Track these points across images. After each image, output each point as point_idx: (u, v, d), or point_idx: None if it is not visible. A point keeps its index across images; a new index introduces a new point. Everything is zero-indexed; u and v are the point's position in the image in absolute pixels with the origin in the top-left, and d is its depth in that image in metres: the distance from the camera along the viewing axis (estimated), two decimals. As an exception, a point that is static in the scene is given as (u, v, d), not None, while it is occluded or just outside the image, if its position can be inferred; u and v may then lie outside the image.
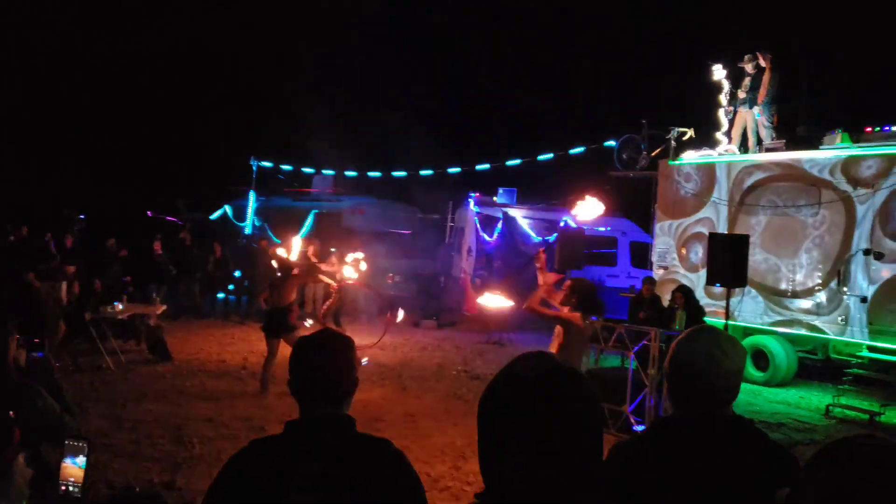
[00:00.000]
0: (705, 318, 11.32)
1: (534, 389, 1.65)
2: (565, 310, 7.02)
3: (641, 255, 20.69)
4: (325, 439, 2.35)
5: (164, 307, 14.00)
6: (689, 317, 10.22)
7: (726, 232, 13.18)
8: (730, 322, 9.41)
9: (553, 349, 7.17)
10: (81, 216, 17.84)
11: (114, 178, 29.77)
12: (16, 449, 2.11)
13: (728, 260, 8.90)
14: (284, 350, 14.05)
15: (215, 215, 24.26)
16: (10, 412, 2.38)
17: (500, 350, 15.78)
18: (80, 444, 2.59)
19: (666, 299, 11.92)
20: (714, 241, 9.37)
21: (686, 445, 2.34)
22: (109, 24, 32.17)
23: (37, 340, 4.17)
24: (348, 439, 2.38)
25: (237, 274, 19.45)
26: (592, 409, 1.69)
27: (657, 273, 14.90)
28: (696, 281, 13.99)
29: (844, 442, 1.59)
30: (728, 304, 9.15)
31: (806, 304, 12.69)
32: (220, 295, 19.07)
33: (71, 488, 2.56)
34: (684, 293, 10.86)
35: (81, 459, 2.56)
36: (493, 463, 1.65)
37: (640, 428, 9.05)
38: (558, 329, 7.12)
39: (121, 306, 12.47)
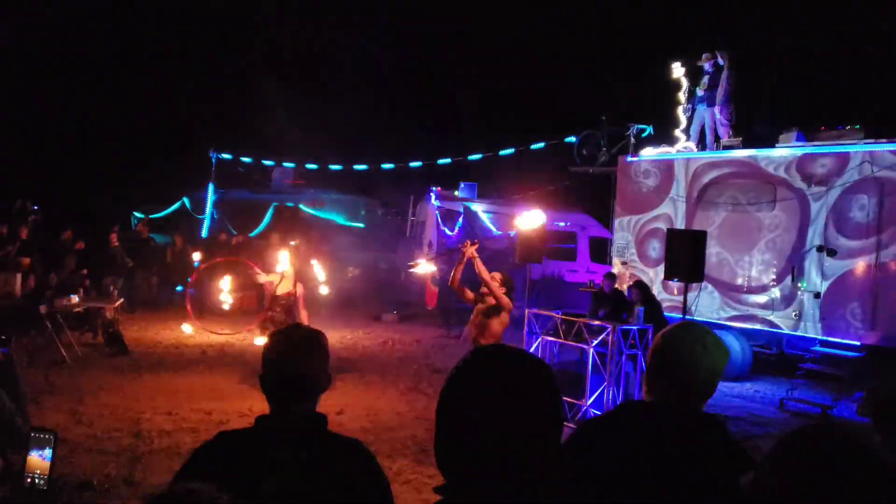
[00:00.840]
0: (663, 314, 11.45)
1: (496, 377, 1.68)
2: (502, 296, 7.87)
3: (601, 251, 20.89)
4: (297, 435, 2.35)
5: (122, 300, 13.85)
6: (648, 311, 10.32)
7: (684, 228, 13.36)
8: (687, 317, 9.54)
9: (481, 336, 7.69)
10: (35, 207, 17.52)
11: (68, 168, 29.28)
12: None
13: (686, 255, 9.02)
14: (241, 341, 14.04)
15: (173, 208, 24.00)
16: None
17: (461, 344, 15.79)
18: (47, 437, 2.57)
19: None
20: (673, 236, 9.49)
21: (649, 431, 2.39)
22: (65, 13, 31.58)
23: (3, 337, 4.12)
24: (320, 437, 2.38)
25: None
26: (553, 394, 1.71)
27: (616, 268, 15.04)
28: (655, 276, 14.17)
29: (806, 430, 1.66)
30: (686, 298, 9.28)
31: (761, 299, 12.91)
32: (179, 288, 18.86)
33: (37, 480, 2.53)
34: (640, 288, 10.99)
35: (48, 452, 2.54)
36: (454, 454, 1.66)
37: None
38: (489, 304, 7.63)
39: (76, 299, 12.30)
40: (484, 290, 8.07)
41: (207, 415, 9.23)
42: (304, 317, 11.38)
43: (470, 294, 8.23)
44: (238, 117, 28.73)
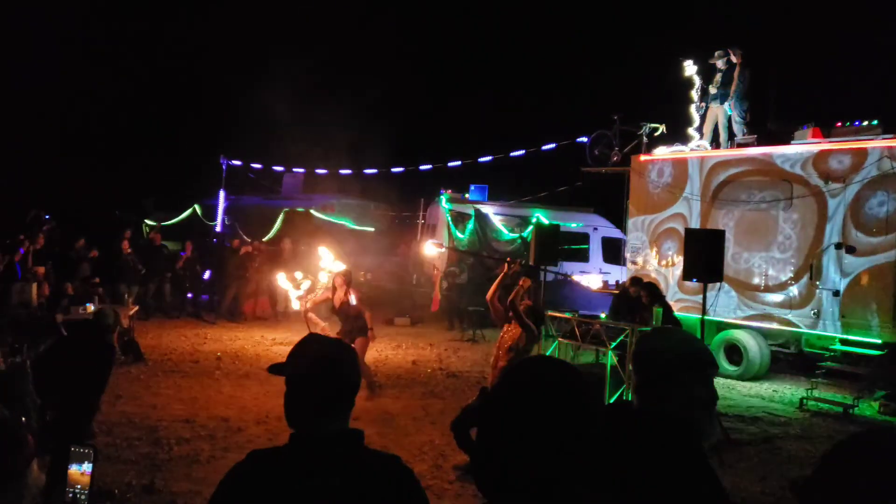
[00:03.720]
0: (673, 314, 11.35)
1: (541, 395, 1.68)
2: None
3: (614, 251, 20.79)
4: (333, 454, 2.28)
5: (136, 307, 13.84)
6: (666, 312, 10.20)
7: (699, 227, 13.26)
8: (705, 317, 9.46)
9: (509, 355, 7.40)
10: (47, 216, 17.56)
11: (80, 176, 29.37)
12: (29, 455, 2.04)
13: (704, 255, 8.94)
14: (255, 347, 14.02)
15: (184, 215, 24.01)
16: (23, 418, 2.32)
17: (475, 347, 15.77)
18: (87, 451, 2.53)
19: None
20: (690, 236, 9.41)
21: (626, 437, 2.33)
22: (76, 21, 31.71)
23: (16, 346, 4.07)
24: (357, 455, 2.31)
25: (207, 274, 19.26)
26: (595, 416, 1.72)
27: (630, 268, 14.96)
28: (669, 276, 14.09)
29: (864, 435, 1.62)
30: (704, 298, 9.19)
31: (779, 298, 12.80)
32: (190, 294, 18.88)
33: (78, 495, 2.50)
34: (649, 290, 10.81)
35: (87, 466, 2.51)
36: (495, 478, 1.66)
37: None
38: (515, 332, 7.37)
39: (92, 307, 12.27)
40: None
41: (225, 421, 9.19)
42: (367, 317, 10.88)
43: (501, 312, 7.87)
44: (248, 124, 28.75)
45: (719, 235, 9.19)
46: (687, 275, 9.29)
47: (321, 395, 2.32)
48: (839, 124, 12.59)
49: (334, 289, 10.95)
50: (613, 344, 9.55)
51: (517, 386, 1.73)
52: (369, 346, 10.94)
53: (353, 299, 10.66)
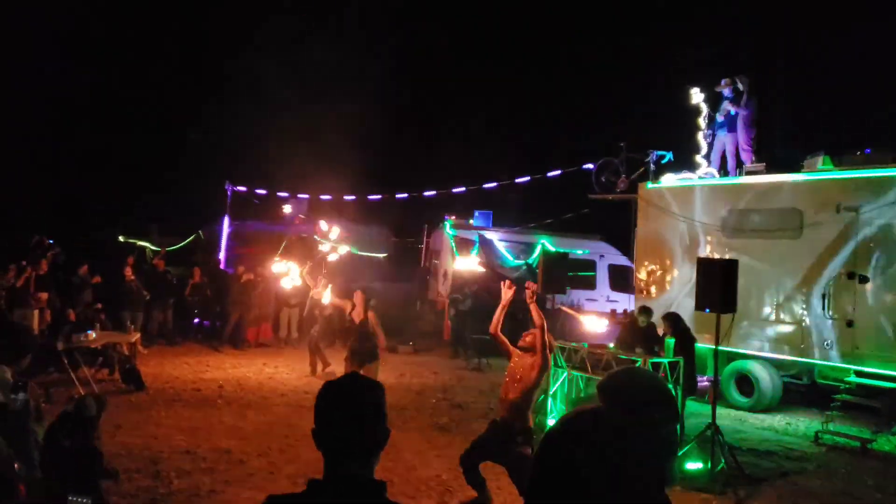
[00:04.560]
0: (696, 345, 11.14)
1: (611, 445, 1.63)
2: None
3: (620, 278, 20.61)
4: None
5: (139, 335, 13.66)
6: (679, 343, 10.01)
7: (706, 255, 13.07)
8: (720, 347, 9.26)
9: (519, 386, 7.01)
10: (50, 241, 17.43)
11: (83, 202, 29.32)
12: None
13: (718, 285, 8.77)
14: (258, 375, 13.81)
15: (188, 240, 23.87)
16: (16, 465, 2.18)
17: (480, 376, 15.54)
18: (84, 501, 2.39)
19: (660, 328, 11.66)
20: (703, 265, 9.23)
21: None
22: (79, 43, 31.78)
23: (20, 383, 3.90)
24: None
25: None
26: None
27: (639, 296, 14.77)
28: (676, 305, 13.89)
29: None
30: (718, 329, 8.99)
31: (790, 328, 12.60)
32: (197, 321, 18.71)
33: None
34: (671, 321, 10.63)
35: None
36: None
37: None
38: (526, 361, 7.03)
39: (94, 335, 12.10)
40: (526, 341, 7.20)
41: (226, 453, 8.99)
42: (380, 339, 10.88)
43: (508, 345, 7.36)
44: (253, 150, 28.74)
45: (733, 265, 9.02)
46: (700, 305, 9.09)
47: (340, 433, 2.19)
48: (857, 153, 12.42)
49: (353, 304, 10.99)
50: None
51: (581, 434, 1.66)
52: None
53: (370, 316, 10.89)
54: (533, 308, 7.21)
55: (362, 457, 2.21)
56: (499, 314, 7.37)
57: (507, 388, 7.07)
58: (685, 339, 10.42)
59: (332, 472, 2.19)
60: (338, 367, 13.27)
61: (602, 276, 21.08)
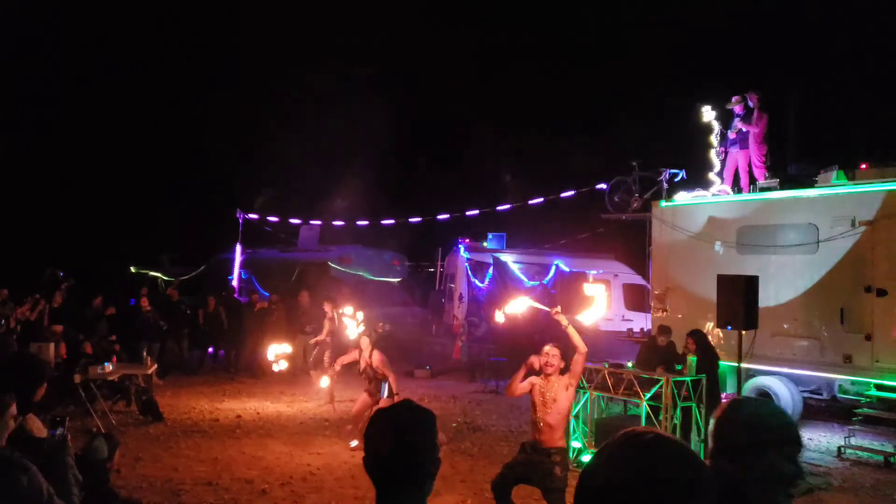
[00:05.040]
0: (720, 362, 11.05)
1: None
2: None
3: (636, 298, 20.53)
4: None
5: (155, 366, 13.65)
6: (701, 362, 9.91)
7: (722, 273, 12.99)
8: (742, 364, 9.20)
9: (555, 407, 6.87)
10: (62, 273, 17.50)
11: (94, 233, 29.44)
12: None
13: (738, 301, 8.71)
14: (276, 403, 13.76)
15: (200, 269, 23.94)
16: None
17: (498, 399, 15.45)
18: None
19: (680, 345, 11.58)
20: (723, 282, 9.18)
21: None
22: (90, 70, 32.08)
23: (58, 418, 3.88)
24: None
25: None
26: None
27: (656, 315, 14.68)
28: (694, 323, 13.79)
29: None
30: (740, 346, 8.92)
31: (809, 343, 12.50)
32: (211, 350, 18.72)
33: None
34: (696, 338, 10.54)
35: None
36: None
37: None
38: (568, 383, 6.93)
39: (111, 367, 12.09)
40: (546, 369, 6.94)
41: (249, 483, 8.95)
42: (392, 381, 10.83)
43: (525, 389, 7.12)
44: (266, 176, 28.85)
45: (754, 282, 8.96)
46: (721, 322, 9.04)
47: (390, 461, 2.18)
48: (864, 166, 12.39)
49: (360, 350, 10.92)
50: (648, 395, 9.28)
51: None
52: None
53: (375, 359, 10.75)
54: (572, 334, 7.01)
55: (412, 487, 2.19)
56: (519, 378, 7.08)
57: (540, 410, 6.92)
58: (709, 356, 10.33)
59: (383, 499, 2.17)
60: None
61: (616, 296, 20.99)
